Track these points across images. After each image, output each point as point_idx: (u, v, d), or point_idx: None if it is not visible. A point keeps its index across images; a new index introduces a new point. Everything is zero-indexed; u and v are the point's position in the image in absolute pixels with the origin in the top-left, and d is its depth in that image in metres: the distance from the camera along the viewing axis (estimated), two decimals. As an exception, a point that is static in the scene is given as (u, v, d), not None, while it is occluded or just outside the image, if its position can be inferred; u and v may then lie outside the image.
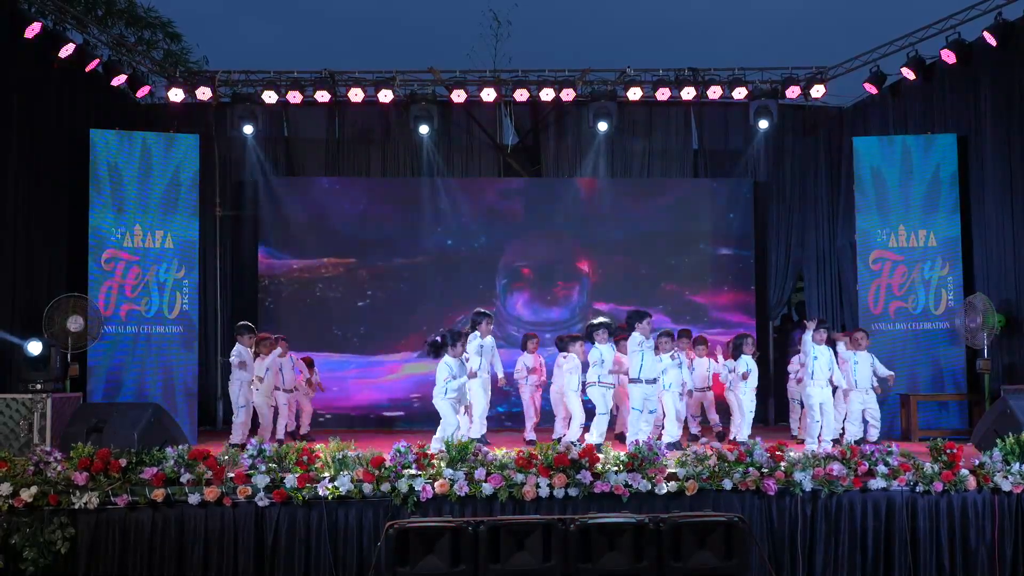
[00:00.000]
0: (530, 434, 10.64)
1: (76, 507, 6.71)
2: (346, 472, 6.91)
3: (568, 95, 12.69)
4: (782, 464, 7.12)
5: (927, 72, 11.80)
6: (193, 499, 6.76)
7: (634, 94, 12.78)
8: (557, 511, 6.72)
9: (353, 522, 6.83)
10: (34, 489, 6.69)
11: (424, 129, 12.80)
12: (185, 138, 11.71)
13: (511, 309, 13.39)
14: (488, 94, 12.83)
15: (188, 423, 11.08)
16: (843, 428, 10.13)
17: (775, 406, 13.20)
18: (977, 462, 7.20)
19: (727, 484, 6.96)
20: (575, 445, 7.31)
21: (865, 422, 10.07)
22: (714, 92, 12.83)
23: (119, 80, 11.78)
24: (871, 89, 12.40)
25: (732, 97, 12.95)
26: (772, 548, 7.01)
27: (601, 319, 9.88)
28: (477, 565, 6.23)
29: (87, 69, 11.25)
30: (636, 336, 9.20)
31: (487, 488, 6.83)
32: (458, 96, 12.76)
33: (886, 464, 7.13)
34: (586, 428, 9.42)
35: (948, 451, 7.17)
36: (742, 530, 6.36)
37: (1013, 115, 10.58)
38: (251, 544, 6.78)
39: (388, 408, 13.09)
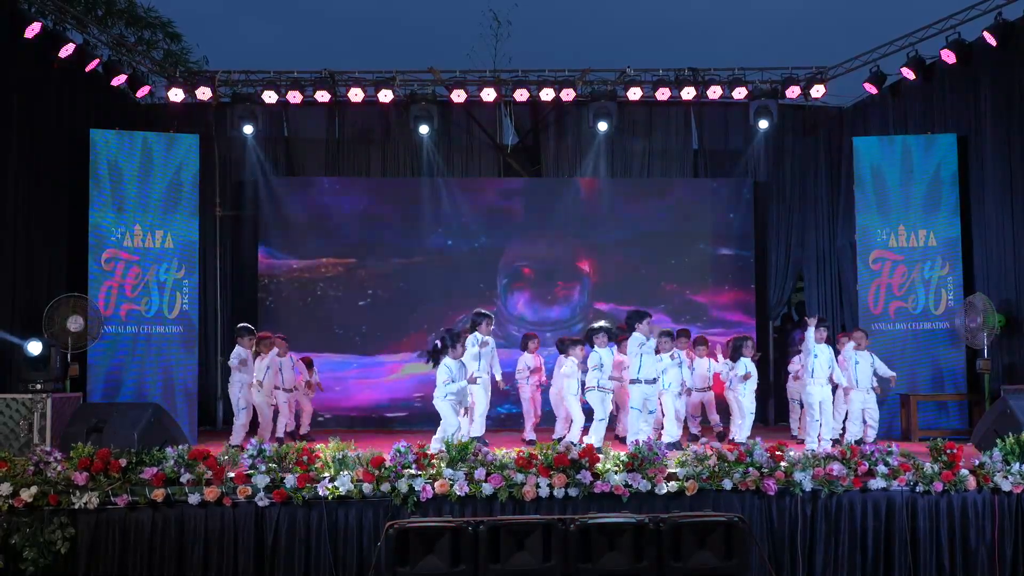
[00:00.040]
0: (530, 434, 10.65)
1: (76, 507, 6.71)
2: (346, 472, 6.92)
3: (568, 95, 12.69)
4: (782, 464, 7.12)
5: (927, 72, 11.80)
6: (193, 499, 6.77)
7: (634, 94, 12.78)
8: (557, 511, 6.72)
9: (353, 522, 6.84)
10: (34, 489, 6.70)
11: (424, 129, 12.80)
12: (185, 138, 11.71)
13: (512, 309, 13.40)
14: (488, 94, 12.83)
15: (188, 423, 11.07)
16: (844, 427, 10.13)
17: (775, 406, 13.20)
18: (977, 462, 7.20)
19: (727, 484, 6.96)
20: (575, 445, 7.32)
21: (863, 423, 10.07)
22: (714, 92, 12.83)
23: (119, 80, 11.78)
24: (871, 89, 12.40)
25: (732, 97, 12.95)
26: (772, 548, 7.01)
27: (601, 323, 9.90)
28: (477, 565, 6.23)
29: (87, 69, 11.25)
30: (636, 336, 9.20)
31: (487, 488, 6.83)
32: (458, 96, 12.76)
33: (886, 464, 7.13)
34: (585, 431, 9.42)
35: (948, 451, 7.18)
36: (742, 530, 6.36)
37: (1013, 115, 10.58)
38: (251, 544, 6.78)
39: (388, 408, 13.09)
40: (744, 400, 9.68)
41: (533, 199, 13.65)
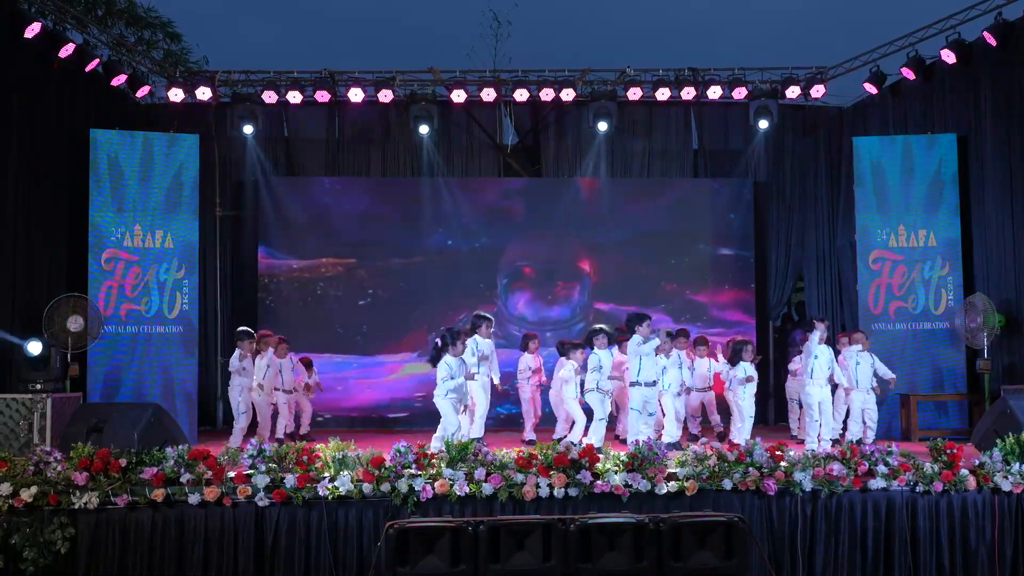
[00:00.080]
0: (530, 434, 10.65)
1: (76, 507, 6.71)
2: (346, 472, 6.92)
3: (568, 95, 12.68)
4: (782, 464, 7.12)
5: (927, 72, 11.80)
6: (193, 499, 6.76)
7: (634, 94, 12.78)
8: (557, 511, 6.72)
9: (353, 522, 6.84)
10: (34, 489, 6.70)
11: (424, 129, 12.80)
12: (186, 138, 11.71)
13: (512, 308, 13.40)
14: (488, 94, 12.83)
15: (188, 423, 11.07)
16: (844, 427, 10.13)
17: (775, 406, 13.20)
18: (977, 462, 7.20)
19: (727, 484, 6.96)
20: (575, 445, 7.32)
21: (863, 423, 10.06)
22: (714, 92, 12.82)
23: (119, 80, 11.78)
24: (871, 89, 12.40)
25: (732, 97, 12.95)
26: (772, 548, 7.01)
27: (601, 325, 9.91)
28: (477, 565, 6.23)
29: (87, 69, 11.25)
30: (636, 339, 9.21)
31: (487, 488, 6.83)
32: (458, 96, 12.76)
33: (886, 464, 7.13)
34: (585, 431, 9.43)
35: (948, 451, 7.18)
36: (742, 530, 6.36)
37: (1013, 115, 10.58)
38: (251, 544, 6.78)
39: (388, 408, 13.08)
40: (744, 404, 9.61)
41: (533, 199, 13.64)
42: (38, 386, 9.28)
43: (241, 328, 10.71)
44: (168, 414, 8.73)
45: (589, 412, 9.47)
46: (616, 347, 10.11)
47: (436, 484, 6.82)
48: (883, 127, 12.52)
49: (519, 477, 6.90)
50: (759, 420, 10.60)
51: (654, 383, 9.25)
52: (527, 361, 10.90)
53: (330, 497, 6.80)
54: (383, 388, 13.15)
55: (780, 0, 46.11)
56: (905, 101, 12.36)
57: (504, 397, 11.60)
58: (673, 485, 6.95)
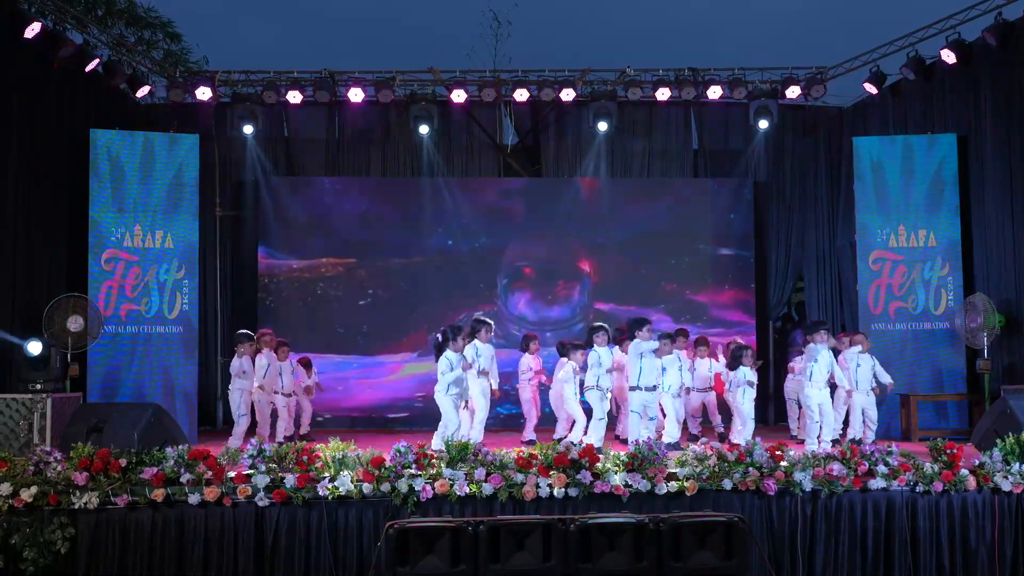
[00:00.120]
0: (530, 434, 10.64)
1: (76, 507, 6.71)
2: (346, 472, 6.92)
3: (568, 95, 12.68)
4: (782, 464, 7.12)
5: (927, 72, 11.80)
6: (193, 499, 6.76)
7: (634, 94, 12.78)
8: (557, 511, 6.72)
9: (353, 522, 6.84)
10: (34, 489, 6.69)
11: (424, 129, 12.81)
12: (186, 138, 11.71)
13: (513, 308, 13.40)
14: (488, 94, 12.83)
15: (188, 423, 11.07)
16: (844, 427, 10.13)
17: (775, 407, 13.19)
18: (977, 462, 7.20)
19: (727, 484, 6.96)
20: (575, 445, 7.32)
21: (863, 423, 10.06)
22: (714, 92, 12.82)
23: (119, 80, 11.77)
24: (871, 89, 12.40)
25: (732, 97, 12.95)
26: (772, 548, 7.01)
27: (602, 323, 9.91)
28: (477, 565, 6.23)
29: (87, 69, 11.24)
30: (636, 344, 9.22)
31: (487, 488, 6.83)
32: (458, 96, 12.76)
33: (886, 464, 7.13)
34: (585, 431, 9.42)
35: (948, 451, 7.17)
36: (742, 530, 6.36)
37: (1013, 115, 10.58)
38: (251, 544, 6.78)
39: (389, 409, 13.08)
40: (744, 407, 9.57)
41: (533, 199, 13.65)
42: (38, 386, 9.28)
43: (241, 331, 10.70)
44: (168, 414, 8.72)
45: (589, 411, 9.47)
46: (617, 346, 10.10)
47: (436, 484, 6.82)
48: (883, 127, 12.52)
49: (519, 477, 6.90)
50: (759, 420, 10.59)
51: (654, 388, 9.26)
52: (527, 362, 10.89)
53: (330, 497, 6.80)
54: (383, 388, 13.15)
55: (780, 0, 46.12)
56: (905, 101, 12.37)
57: (504, 397, 11.60)
58: (673, 485, 6.95)
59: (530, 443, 9.75)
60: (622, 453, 7.26)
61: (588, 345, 9.64)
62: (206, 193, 12.49)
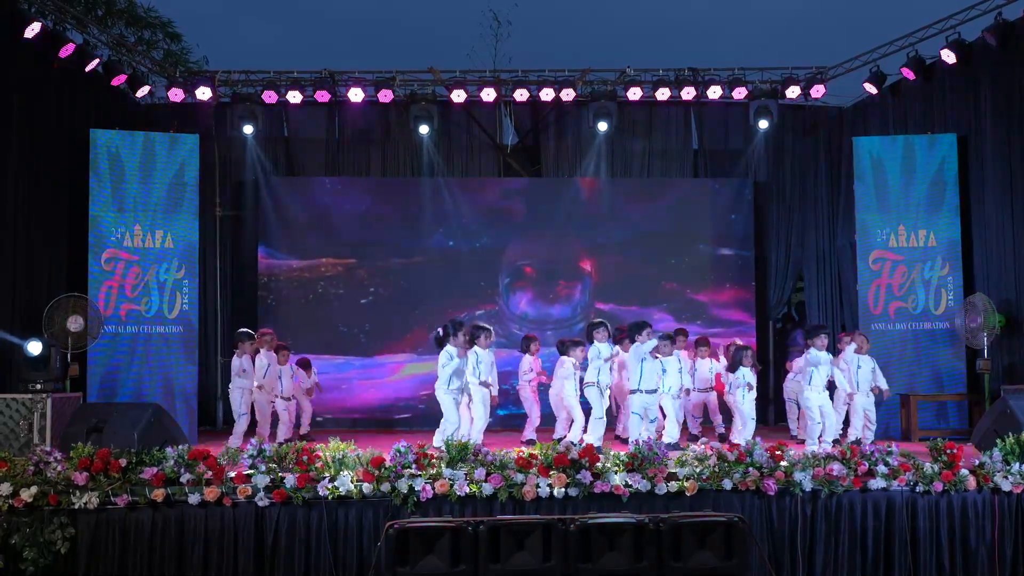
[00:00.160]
0: (530, 434, 10.63)
1: (76, 507, 6.71)
2: (346, 472, 6.91)
3: (568, 95, 12.69)
4: (782, 464, 7.12)
5: (927, 72, 11.79)
6: (193, 499, 6.76)
7: (634, 94, 12.79)
8: (557, 511, 6.72)
9: (353, 522, 6.83)
10: (34, 489, 6.69)
11: (424, 129, 12.81)
12: (186, 138, 11.71)
13: (514, 308, 13.41)
14: (488, 94, 12.84)
15: (188, 423, 11.07)
16: (844, 428, 10.12)
17: (775, 407, 13.19)
18: (977, 462, 7.20)
19: (727, 484, 6.96)
20: (575, 445, 7.32)
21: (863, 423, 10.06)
22: (714, 92, 12.82)
23: (119, 80, 11.78)
24: (871, 89, 12.39)
25: (732, 97, 12.95)
26: (772, 548, 7.01)
27: (601, 319, 9.90)
28: (477, 565, 6.23)
29: (87, 69, 11.24)
30: (637, 348, 9.23)
31: (487, 488, 6.83)
32: (458, 96, 12.76)
33: (886, 464, 7.13)
34: (584, 430, 9.42)
35: (948, 451, 7.17)
36: (742, 530, 6.36)
37: (1013, 115, 10.58)
38: (251, 544, 6.78)
39: (389, 409, 13.08)
40: (744, 408, 9.57)
41: (533, 199, 13.65)
42: (38, 386, 9.28)
43: (241, 330, 10.71)
44: (168, 414, 8.72)
45: (588, 410, 9.47)
46: (617, 346, 10.10)
47: (436, 484, 6.82)
48: (883, 127, 12.52)
49: (519, 477, 6.90)
50: (759, 421, 10.58)
51: (655, 391, 9.26)
52: (528, 363, 10.89)
53: (330, 497, 6.80)
54: (384, 388, 13.15)
55: (780, 0, 46.13)
56: (905, 101, 12.36)
57: (504, 397, 11.58)
58: (673, 485, 6.94)
59: (530, 443, 9.74)
60: (622, 453, 7.26)
61: (588, 341, 9.63)
62: (206, 193, 12.50)
